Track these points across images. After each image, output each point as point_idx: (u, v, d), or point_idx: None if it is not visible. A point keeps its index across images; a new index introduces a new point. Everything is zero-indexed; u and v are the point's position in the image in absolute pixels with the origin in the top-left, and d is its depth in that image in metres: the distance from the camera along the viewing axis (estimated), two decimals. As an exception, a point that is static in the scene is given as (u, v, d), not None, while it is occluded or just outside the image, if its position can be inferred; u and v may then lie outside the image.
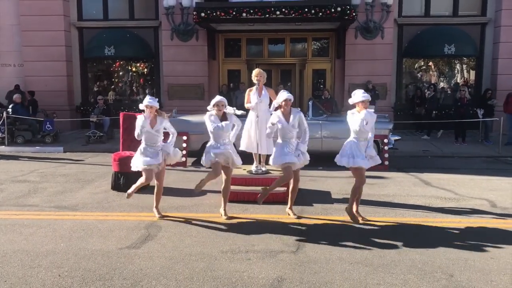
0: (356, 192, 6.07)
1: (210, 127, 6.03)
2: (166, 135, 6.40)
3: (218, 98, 6.17)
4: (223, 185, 6.27)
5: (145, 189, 7.38)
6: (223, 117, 6.10)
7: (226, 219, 6.17)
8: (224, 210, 6.29)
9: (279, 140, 6.14)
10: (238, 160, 6.20)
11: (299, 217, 6.23)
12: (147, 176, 6.07)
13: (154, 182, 6.31)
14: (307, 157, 6.20)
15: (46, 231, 5.70)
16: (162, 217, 6.22)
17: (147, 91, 15.73)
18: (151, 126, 6.04)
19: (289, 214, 6.31)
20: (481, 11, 15.38)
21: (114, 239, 5.41)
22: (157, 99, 6.33)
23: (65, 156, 11.56)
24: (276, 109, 6.50)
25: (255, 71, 7.37)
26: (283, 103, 6.06)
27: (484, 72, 15.51)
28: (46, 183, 8.38)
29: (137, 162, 6.12)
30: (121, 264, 4.69)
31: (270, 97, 7.36)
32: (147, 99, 6.09)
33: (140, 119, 6.05)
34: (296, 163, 6.07)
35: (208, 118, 6.07)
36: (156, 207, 6.34)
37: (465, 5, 15.45)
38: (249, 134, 7.39)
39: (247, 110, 7.42)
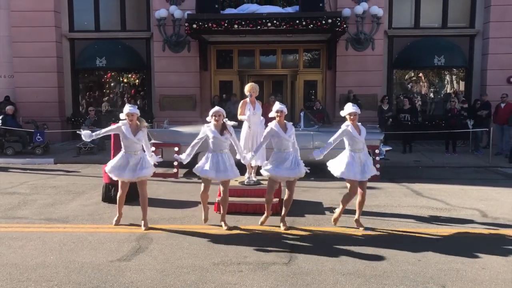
0: (347, 200, 6.26)
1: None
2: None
3: (215, 108, 6.25)
4: (221, 196, 6.33)
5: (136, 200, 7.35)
6: (223, 127, 6.13)
7: (227, 229, 6.18)
8: (223, 221, 6.32)
9: (275, 150, 6.19)
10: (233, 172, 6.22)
11: (288, 228, 6.20)
12: (120, 186, 6.23)
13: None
14: (302, 170, 6.17)
15: (36, 244, 5.64)
16: (148, 229, 6.15)
17: (137, 102, 15.70)
18: (133, 134, 6.05)
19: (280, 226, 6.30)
20: (469, 23, 15.59)
21: (104, 252, 5.36)
22: (136, 106, 6.33)
23: (56, 168, 11.47)
24: (267, 120, 6.57)
25: (248, 86, 7.41)
26: (276, 114, 6.14)
27: (473, 83, 15.68)
28: (36, 195, 8.30)
29: (112, 171, 6.17)
30: (112, 277, 4.64)
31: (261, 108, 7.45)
32: (128, 108, 6.10)
33: (122, 127, 6.07)
34: (288, 177, 6.11)
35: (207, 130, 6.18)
36: (144, 219, 6.28)
37: (454, 17, 15.66)
38: (244, 146, 7.40)
39: (240, 122, 7.44)
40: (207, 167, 6.09)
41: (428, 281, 4.55)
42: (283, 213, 6.31)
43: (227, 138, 6.13)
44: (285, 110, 6.25)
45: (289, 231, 6.12)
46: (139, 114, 6.18)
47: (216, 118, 6.10)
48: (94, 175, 10.24)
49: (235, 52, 16.25)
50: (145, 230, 6.14)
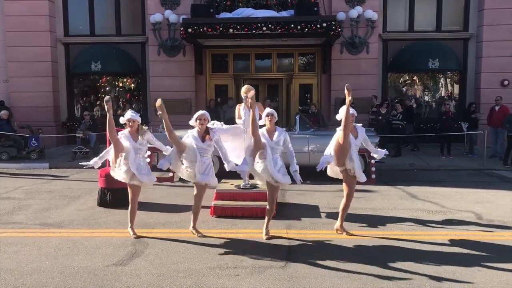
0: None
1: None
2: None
3: (199, 112, 6.08)
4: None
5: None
6: (206, 131, 6.01)
7: (199, 236, 6.05)
8: (194, 227, 6.19)
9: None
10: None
11: (269, 238, 5.98)
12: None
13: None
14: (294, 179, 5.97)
15: (31, 249, 5.61)
16: (138, 237, 6.01)
17: (133, 106, 15.69)
18: (134, 140, 6.02)
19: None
20: (463, 26, 15.68)
21: (100, 256, 5.34)
22: (138, 113, 6.30)
23: (51, 173, 11.42)
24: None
25: (244, 88, 7.39)
26: (266, 118, 6.01)
27: (467, 86, 15.77)
28: (31, 200, 8.26)
29: (121, 174, 6.05)
30: (108, 281, 4.62)
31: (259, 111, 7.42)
32: (129, 113, 6.06)
33: (122, 136, 6.00)
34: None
35: (190, 136, 6.01)
36: (131, 226, 6.15)
37: (448, 20, 15.75)
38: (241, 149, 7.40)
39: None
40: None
41: (424, 284, 4.56)
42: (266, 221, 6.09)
43: (210, 145, 5.97)
44: (276, 115, 6.08)
45: (284, 235, 6.11)
46: (140, 121, 6.12)
47: (201, 122, 5.98)
48: (89, 180, 10.20)
49: (230, 56, 16.27)
50: (134, 237, 6.00)
